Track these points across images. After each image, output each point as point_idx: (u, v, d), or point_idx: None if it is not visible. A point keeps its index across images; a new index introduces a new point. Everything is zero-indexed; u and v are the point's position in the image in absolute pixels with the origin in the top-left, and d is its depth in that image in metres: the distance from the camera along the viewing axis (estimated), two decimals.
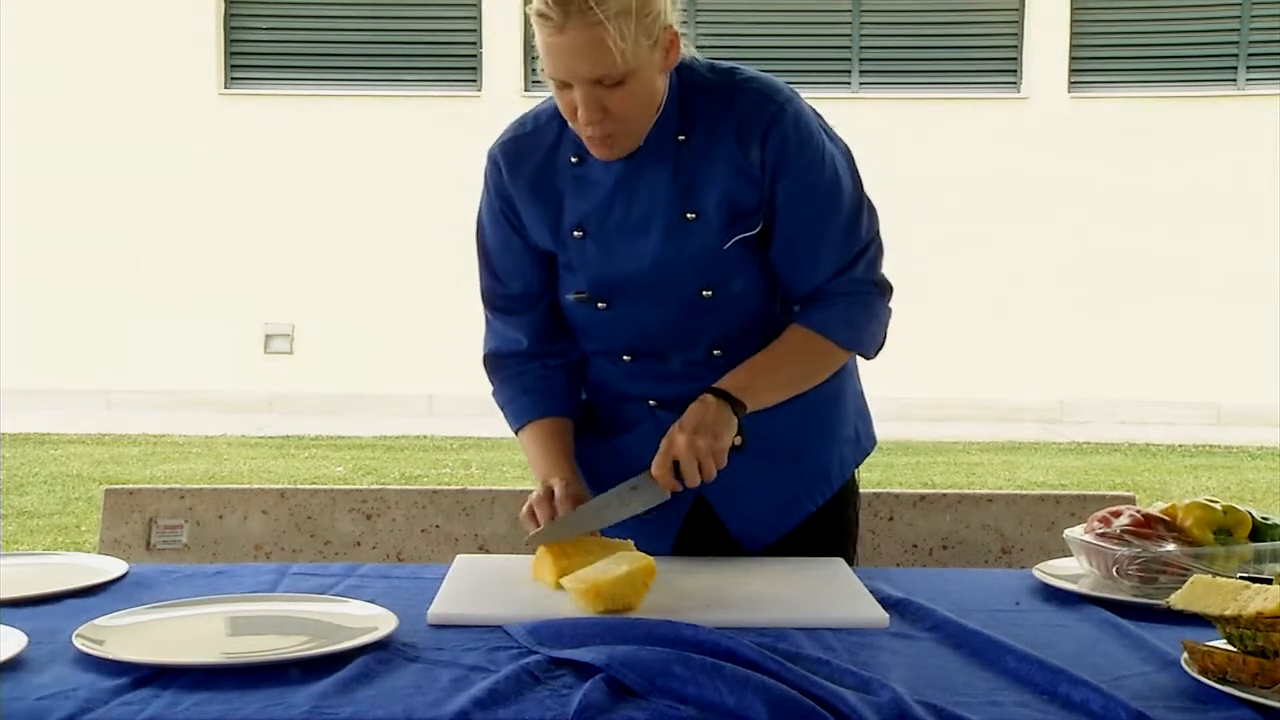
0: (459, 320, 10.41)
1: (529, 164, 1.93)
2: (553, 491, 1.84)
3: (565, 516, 1.79)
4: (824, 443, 2.01)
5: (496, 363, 2.06)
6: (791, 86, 1.92)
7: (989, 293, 10.48)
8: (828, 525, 2.04)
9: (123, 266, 10.61)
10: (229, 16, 10.86)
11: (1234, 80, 10.61)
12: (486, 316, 2.06)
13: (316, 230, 10.62)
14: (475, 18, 10.80)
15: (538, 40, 1.75)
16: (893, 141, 10.40)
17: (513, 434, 2.07)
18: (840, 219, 1.89)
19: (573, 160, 1.91)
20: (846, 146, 1.95)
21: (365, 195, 10.62)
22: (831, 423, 2.02)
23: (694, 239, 1.87)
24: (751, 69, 1.93)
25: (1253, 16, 10.57)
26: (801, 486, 2.01)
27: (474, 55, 10.83)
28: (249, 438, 8.92)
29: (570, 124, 1.83)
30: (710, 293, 1.89)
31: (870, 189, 1.95)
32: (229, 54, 10.88)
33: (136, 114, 10.62)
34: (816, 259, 1.89)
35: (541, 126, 1.94)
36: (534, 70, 10.68)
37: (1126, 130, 10.51)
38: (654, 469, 1.77)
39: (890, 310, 1.96)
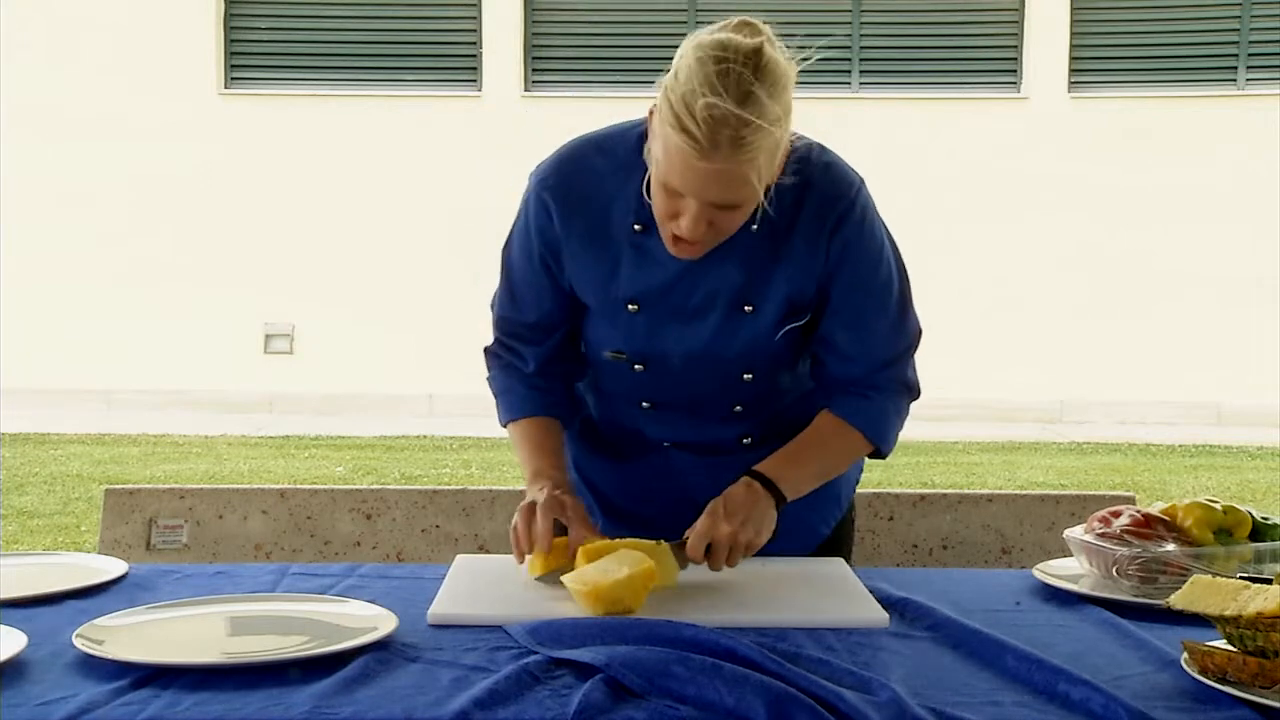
0: (459, 320, 10.44)
1: (586, 213, 1.82)
2: (534, 507, 1.76)
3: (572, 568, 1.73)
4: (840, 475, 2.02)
5: (498, 357, 2.00)
6: (855, 172, 1.85)
7: (989, 293, 10.48)
8: (830, 547, 2.06)
9: (123, 266, 10.61)
10: (229, 16, 10.86)
11: (1234, 80, 10.61)
12: (494, 318, 1.99)
13: (316, 230, 10.62)
14: (475, 18, 10.80)
15: (668, 146, 1.62)
16: (893, 141, 10.40)
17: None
18: (889, 318, 1.87)
19: (635, 228, 1.81)
20: (892, 238, 1.90)
21: (365, 195, 10.62)
22: None
23: (746, 330, 1.84)
24: (821, 147, 1.83)
25: (1253, 16, 10.57)
26: (814, 514, 2.01)
27: (474, 55, 10.83)
28: (249, 438, 8.92)
29: (657, 217, 1.72)
30: (751, 376, 1.89)
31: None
32: (229, 54, 10.88)
33: (136, 114, 10.62)
34: (860, 354, 1.88)
35: (603, 171, 1.82)
36: (534, 70, 10.68)
37: (1126, 130, 10.51)
38: (689, 548, 1.74)
39: (908, 410, 1.95)
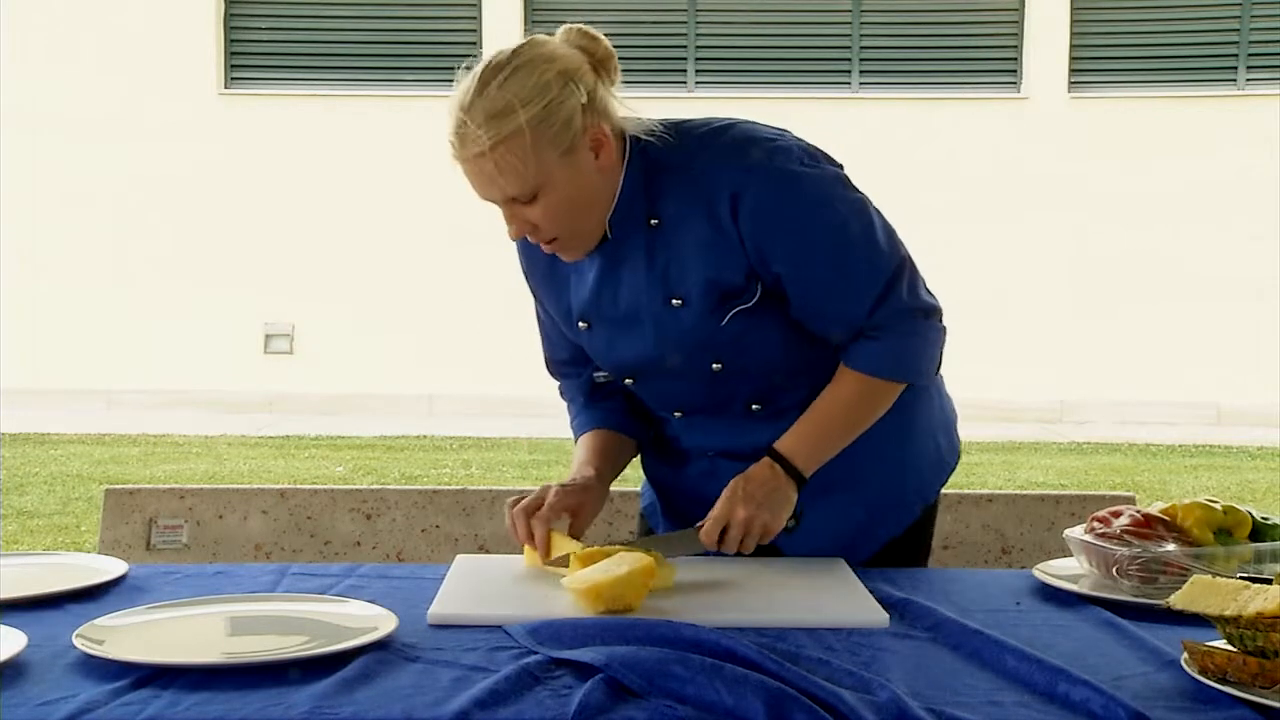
0: (459, 320, 10.46)
1: (540, 254, 1.90)
2: (541, 502, 1.83)
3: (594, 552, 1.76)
4: (891, 468, 1.95)
5: (563, 394, 2.11)
6: (770, 131, 1.83)
7: (989, 293, 10.47)
8: (902, 550, 2.00)
9: (123, 266, 10.61)
10: (229, 16, 10.86)
11: (1234, 80, 10.61)
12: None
13: (316, 230, 10.62)
14: (475, 18, 10.80)
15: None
16: (893, 141, 10.40)
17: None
18: (853, 257, 1.80)
19: None
20: (836, 171, 1.85)
21: (365, 195, 10.62)
22: (903, 447, 1.96)
23: (685, 322, 1.84)
24: (721, 120, 1.84)
25: (1253, 16, 10.57)
26: (867, 517, 1.96)
27: (474, 55, 10.80)
28: (249, 438, 8.92)
29: None
30: (720, 365, 1.86)
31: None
32: (229, 54, 10.88)
33: (136, 114, 10.62)
34: (844, 307, 1.82)
35: None
36: None
37: (1126, 130, 10.51)
38: (704, 533, 1.78)
39: (942, 330, 1.87)
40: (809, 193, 1.80)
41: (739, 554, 1.81)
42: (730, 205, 1.77)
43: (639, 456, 2.11)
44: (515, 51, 1.74)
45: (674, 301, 1.83)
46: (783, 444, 1.83)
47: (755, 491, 1.79)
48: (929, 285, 1.89)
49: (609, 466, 1.98)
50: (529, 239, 1.82)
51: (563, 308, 1.95)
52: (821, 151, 1.88)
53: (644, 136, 1.82)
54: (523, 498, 1.86)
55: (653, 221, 1.82)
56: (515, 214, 1.77)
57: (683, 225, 1.81)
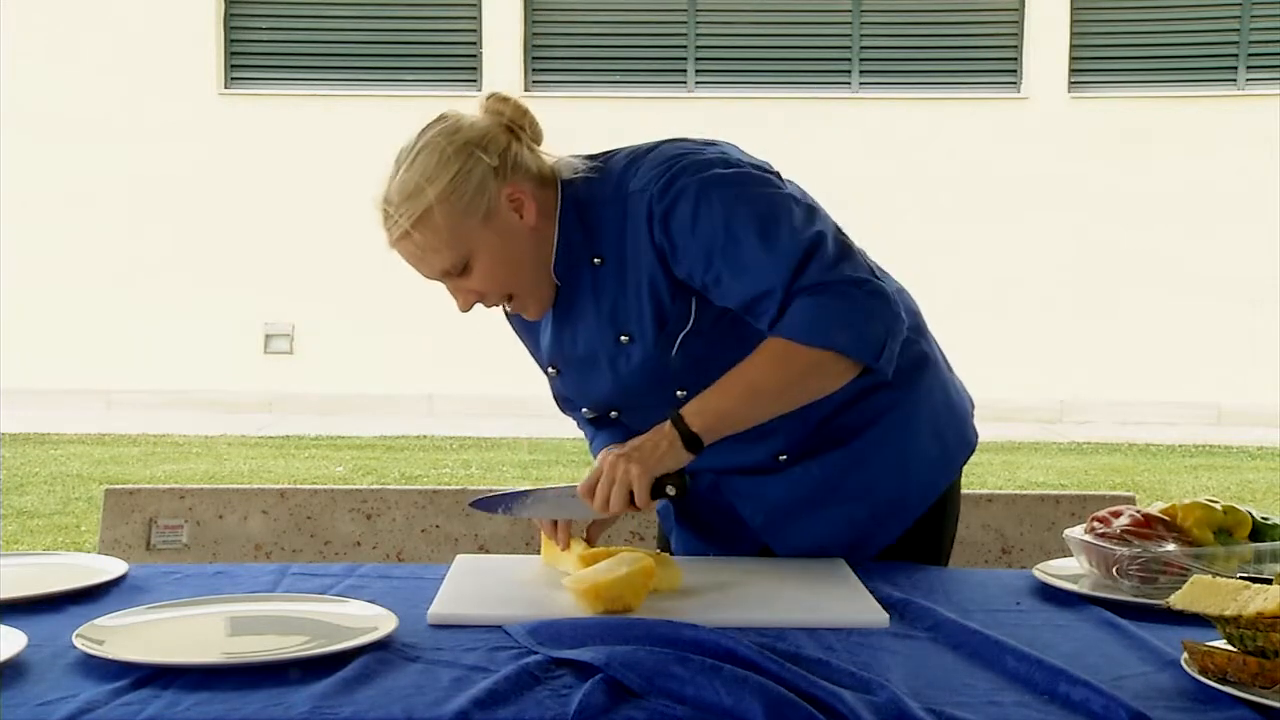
0: (459, 320, 10.42)
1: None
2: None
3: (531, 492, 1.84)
4: (894, 471, 1.93)
5: (577, 420, 2.13)
6: (683, 144, 1.82)
7: (988, 293, 10.47)
8: (913, 542, 1.98)
9: (123, 266, 10.61)
10: (229, 16, 10.86)
11: (1234, 80, 10.61)
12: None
13: (316, 230, 10.62)
14: (475, 18, 10.80)
15: None
16: (893, 141, 10.40)
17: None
18: (757, 249, 1.72)
19: None
20: (758, 170, 1.81)
21: (365, 195, 10.52)
22: (902, 449, 1.93)
23: (635, 358, 1.84)
24: (644, 145, 1.84)
25: (1253, 16, 10.57)
26: (870, 519, 1.95)
27: (474, 55, 10.83)
28: (249, 438, 8.92)
29: None
30: (685, 392, 1.82)
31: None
32: (229, 54, 10.88)
33: (136, 114, 10.62)
34: (761, 289, 1.73)
35: None
36: (534, 70, 10.69)
37: (1126, 130, 10.51)
38: (579, 487, 1.76)
39: (882, 307, 1.73)
40: (710, 188, 1.76)
41: (759, 529, 1.86)
42: (648, 226, 1.78)
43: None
44: (421, 132, 1.81)
45: (622, 339, 1.84)
46: (686, 407, 1.75)
47: (634, 443, 1.74)
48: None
49: None
50: (483, 305, 1.86)
51: (539, 356, 2.01)
52: (750, 158, 1.85)
53: (575, 177, 1.84)
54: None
55: (595, 260, 1.84)
56: (456, 286, 1.83)
57: (621, 258, 1.82)
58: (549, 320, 1.93)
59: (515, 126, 1.82)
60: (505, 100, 1.84)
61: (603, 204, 1.82)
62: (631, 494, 1.72)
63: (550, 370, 1.97)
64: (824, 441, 1.90)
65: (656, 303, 1.81)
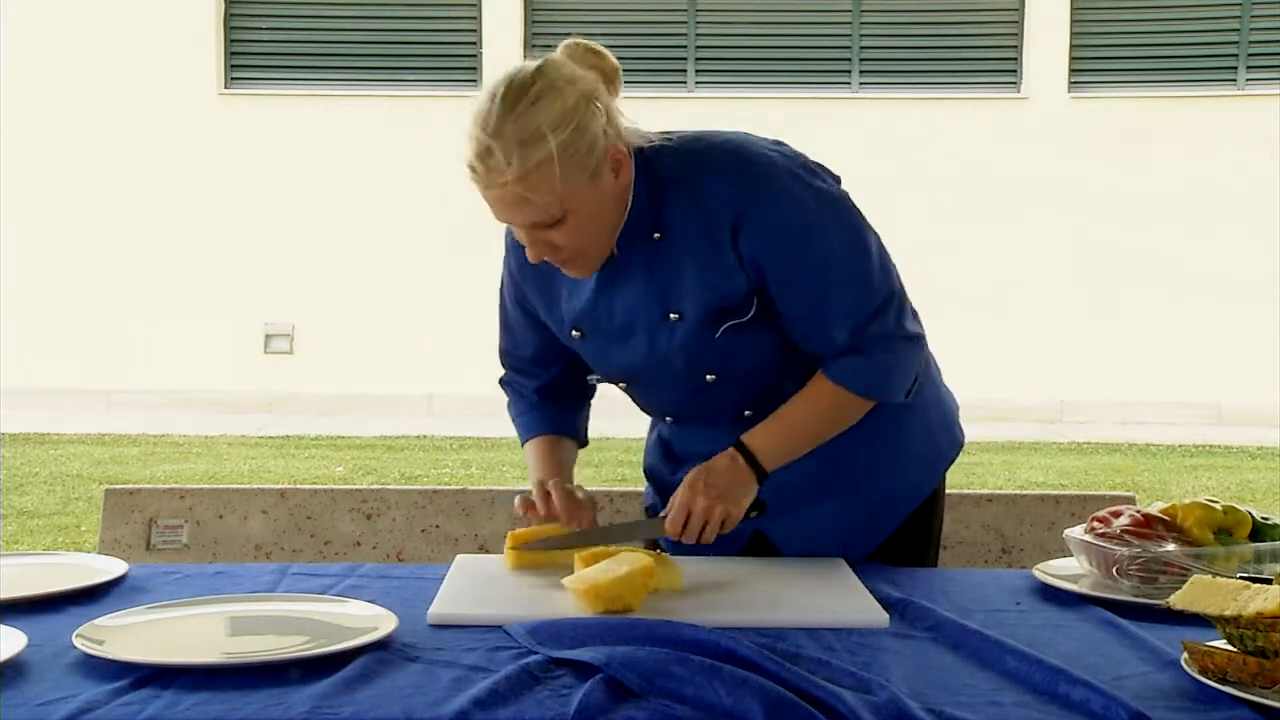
0: (459, 320, 10.45)
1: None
2: (548, 491, 1.89)
3: (565, 535, 1.84)
4: (889, 467, 1.96)
5: (510, 386, 2.13)
6: (767, 146, 1.82)
7: (988, 293, 10.47)
8: (904, 540, 2.01)
9: (122, 266, 10.61)
10: (229, 16, 10.86)
11: (1234, 80, 10.61)
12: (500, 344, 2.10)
13: (316, 230, 10.62)
14: (475, 18, 10.80)
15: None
16: (893, 141, 10.40)
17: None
18: (845, 287, 1.80)
19: None
20: (835, 190, 1.85)
21: (365, 195, 10.62)
22: (897, 446, 1.96)
23: (679, 336, 1.84)
24: (721, 134, 1.84)
25: (1253, 16, 10.57)
26: (866, 516, 1.97)
27: (474, 55, 10.82)
28: (249, 438, 8.91)
29: None
30: (714, 377, 1.87)
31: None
32: (229, 54, 10.88)
33: (136, 114, 10.62)
34: (828, 332, 1.82)
35: None
36: None
37: (1126, 130, 10.51)
38: (669, 523, 1.80)
39: (920, 353, 1.89)
40: (806, 219, 1.79)
41: (699, 544, 1.82)
42: (731, 228, 1.78)
43: (642, 456, 2.14)
44: (538, 72, 1.69)
45: (671, 316, 1.83)
46: (750, 439, 1.84)
47: (716, 481, 1.80)
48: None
49: (570, 473, 2.03)
50: (549, 259, 1.78)
51: (555, 315, 1.95)
52: (820, 166, 1.88)
53: (646, 145, 1.81)
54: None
55: (655, 235, 1.81)
56: (537, 238, 1.74)
57: (683, 240, 1.80)
58: (587, 285, 1.87)
59: (609, 83, 1.76)
60: (601, 54, 1.76)
61: (673, 181, 1.79)
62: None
63: (574, 333, 1.92)
64: None
65: (718, 292, 1.81)
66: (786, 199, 1.78)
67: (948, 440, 2.05)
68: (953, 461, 2.06)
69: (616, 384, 1.98)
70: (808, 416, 1.86)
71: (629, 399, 2.04)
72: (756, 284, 1.80)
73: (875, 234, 1.86)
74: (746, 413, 1.91)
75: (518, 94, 1.67)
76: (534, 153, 1.65)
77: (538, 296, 1.96)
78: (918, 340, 1.87)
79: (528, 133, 1.65)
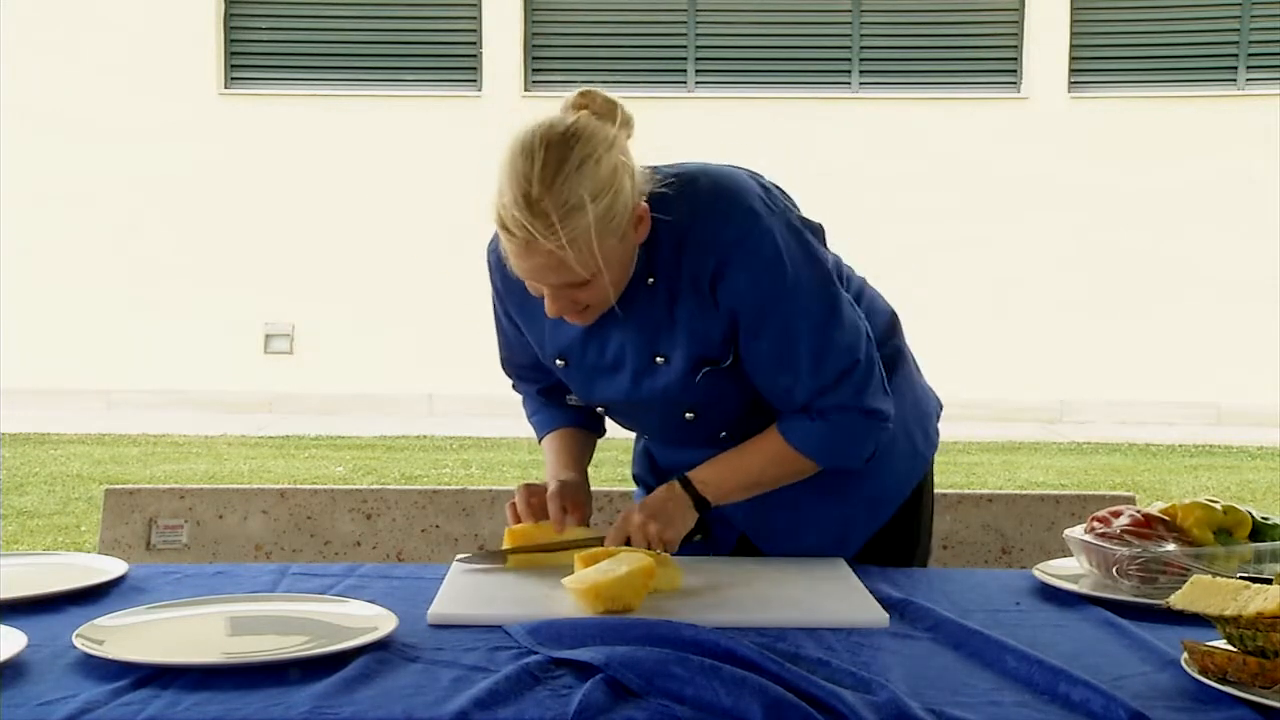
0: (459, 320, 10.45)
1: (517, 283, 1.85)
2: (541, 489, 1.92)
3: (540, 544, 1.87)
4: (870, 470, 1.95)
5: (520, 388, 2.15)
6: (750, 189, 1.80)
7: (988, 293, 10.47)
8: (890, 538, 2.03)
9: (123, 266, 10.61)
10: (229, 16, 10.86)
11: (1234, 80, 10.61)
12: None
13: (316, 230, 10.62)
14: (475, 18, 10.80)
15: (502, 242, 1.71)
16: (893, 141, 10.39)
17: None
18: (807, 348, 1.80)
19: None
20: (819, 254, 1.83)
21: (365, 195, 10.62)
22: (879, 452, 1.95)
23: (662, 379, 1.86)
24: (714, 176, 1.81)
25: (1253, 16, 10.57)
26: (849, 518, 1.99)
27: (474, 55, 10.83)
28: (249, 438, 8.91)
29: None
30: (692, 415, 1.90)
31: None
32: (229, 54, 10.88)
33: (136, 114, 10.62)
34: (789, 389, 1.83)
35: None
36: (534, 70, 10.69)
37: (1126, 130, 10.51)
38: (608, 540, 1.83)
39: (880, 429, 1.87)
40: (783, 277, 1.78)
41: (745, 525, 1.90)
42: (711, 276, 1.78)
43: (630, 460, 2.17)
44: (573, 135, 1.66)
45: (658, 359, 1.85)
46: (695, 474, 1.88)
47: (651, 503, 1.85)
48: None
49: (583, 463, 2.05)
50: (569, 313, 1.77)
51: (537, 336, 1.96)
52: (805, 222, 1.86)
53: (649, 190, 1.79)
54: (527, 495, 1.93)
55: (649, 280, 1.82)
56: (562, 295, 1.73)
57: (672, 285, 1.81)
58: (572, 324, 1.86)
59: (626, 131, 1.74)
60: (614, 104, 1.73)
61: (665, 226, 1.78)
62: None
63: (558, 362, 1.93)
64: None
65: (702, 338, 1.82)
66: (767, 254, 1.77)
67: (925, 441, 2.07)
68: (929, 460, 2.08)
69: (595, 409, 2.01)
70: (756, 465, 1.89)
71: None
72: (730, 333, 1.82)
73: (852, 304, 1.87)
74: (723, 434, 1.94)
75: (559, 160, 1.64)
76: (577, 221, 1.64)
77: (522, 318, 1.97)
78: (879, 416, 1.86)
79: (571, 202, 1.63)
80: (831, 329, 1.82)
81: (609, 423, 2.09)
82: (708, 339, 1.82)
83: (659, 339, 1.84)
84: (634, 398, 1.90)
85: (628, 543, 1.81)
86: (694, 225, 1.78)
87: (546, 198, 1.63)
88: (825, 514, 1.97)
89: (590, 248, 1.66)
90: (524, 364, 2.06)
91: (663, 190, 1.78)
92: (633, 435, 2.16)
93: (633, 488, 2.26)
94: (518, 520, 1.90)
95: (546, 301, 1.74)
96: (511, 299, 1.95)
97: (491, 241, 1.90)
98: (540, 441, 2.10)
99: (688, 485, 1.87)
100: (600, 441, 2.14)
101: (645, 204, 1.75)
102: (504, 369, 2.11)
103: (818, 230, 1.89)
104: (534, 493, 1.92)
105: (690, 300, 1.80)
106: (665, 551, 1.81)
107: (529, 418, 2.13)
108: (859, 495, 1.98)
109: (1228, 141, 10.40)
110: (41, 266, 10.55)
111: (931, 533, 2.13)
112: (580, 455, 2.06)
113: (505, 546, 1.88)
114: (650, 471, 2.12)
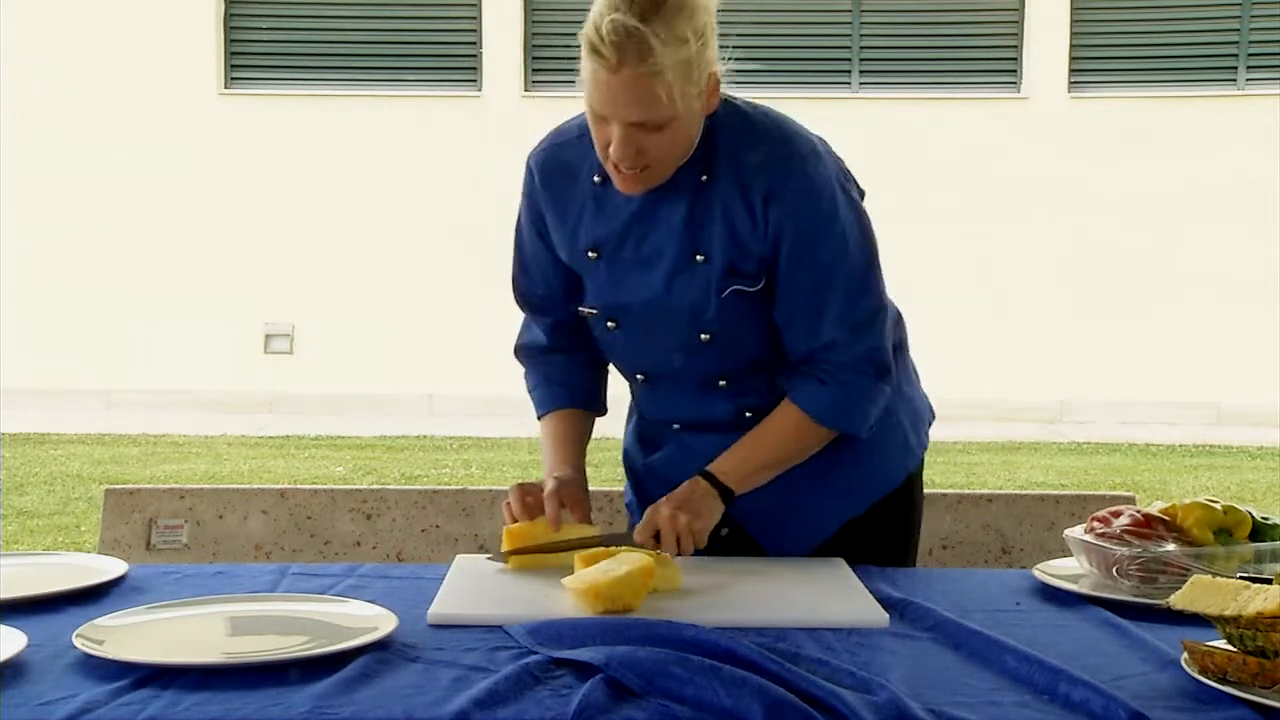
0: (459, 320, 10.46)
1: (561, 175, 1.94)
2: (536, 487, 1.90)
3: (545, 544, 1.85)
4: (861, 453, 1.97)
5: (525, 353, 2.12)
6: (815, 139, 1.88)
7: (989, 293, 10.47)
8: (878, 530, 2.03)
9: (123, 266, 10.61)
10: (229, 16, 10.86)
11: (1234, 80, 10.61)
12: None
13: (316, 230, 10.62)
14: (475, 18, 10.80)
15: (584, 69, 1.74)
16: (893, 141, 10.39)
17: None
18: (844, 289, 1.86)
19: (595, 180, 1.90)
20: (860, 206, 1.91)
21: (365, 195, 10.62)
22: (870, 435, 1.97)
23: (697, 280, 1.87)
24: (778, 113, 1.91)
25: (1253, 16, 10.57)
26: (837, 500, 2.00)
27: (474, 55, 10.82)
28: (249, 438, 8.91)
29: (599, 153, 1.81)
30: (708, 337, 1.90)
31: (870, 189, 1.93)
32: (229, 54, 10.88)
33: (136, 114, 10.61)
34: (816, 325, 1.87)
35: (577, 139, 1.93)
36: (534, 70, 10.68)
37: (1126, 130, 10.50)
38: (636, 533, 1.83)
39: (886, 392, 1.92)
40: (835, 209, 1.85)
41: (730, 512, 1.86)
42: (765, 194, 1.82)
43: (621, 447, 2.15)
44: None
45: (698, 257, 1.86)
46: (715, 466, 1.88)
47: (676, 496, 1.84)
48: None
49: (581, 455, 2.03)
50: (625, 165, 1.78)
51: (567, 232, 1.95)
52: (853, 178, 1.93)
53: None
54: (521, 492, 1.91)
55: (704, 178, 1.85)
56: (630, 137, 1.74)
57: (724, 191, 1.85)
58: (625, 209, 1.88)
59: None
60: None
61: (727, 133, 1.84)
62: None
63: (590, 254, 1.93)
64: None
65: (739, 250, 1.85)
66: (820, 184, 1.84)
67: (916, 440, 2.08)
68: (919, 460, 2.08)
69: (606, 323, 1.97)
70: (773, 443, 1.90)
71: (615, 370, 2.06)
72: (771, 255, 1.84)
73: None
74: (720, 382, 1.94)
75: None
76: (675, 52, 1.69)
77: (555, 213, 1.96)
78: (887, 373, 1.91)
79: (674, 31, 1.69)
80: (869, 276, 1.88)
81: (612, 425, 2.08)
82: (746, 252, 1.85)
83: (702, 236, 1.86)
84: (660, 303, 1.89)
85: (656, 536, 1.80)
86: (755, 144, 1.85)
87: (654, 19, 1.68)
88: (809, 486, 1.96)
89: (679, 84, 1.71)
90: (539, 294, 2.04)
91: (730, 101, 1.86)
92: None
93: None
94: (514, 520, 1.89)
95: (614, 145, 1.75)
96: (549, 191, 1.95)
97: (536, 150, 1.97)
98: (539, 419, 2.07)
99: (709, 477, 1.86)
100: (600, 441, 2.14)
101: (719, 80, 1.81)
102: (516, 298, 2.09)
103: (861, 194, 1.94)
104: (529, 491, 1.92)
105: (740, 211, 1.84)
106: (695, 545, 1.81)
107: (530, 391, 2.10)
108: (846, 471, 1.98)
109: (1228, 141, 10.40)
110: (41, 266, 10.55)
111: (919, 537, 2.13)
112: (579, 443, 2.04)
113: (504, 548, 1.87)
114: (639, 443, 2.10)
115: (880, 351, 1.90)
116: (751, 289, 1.86)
